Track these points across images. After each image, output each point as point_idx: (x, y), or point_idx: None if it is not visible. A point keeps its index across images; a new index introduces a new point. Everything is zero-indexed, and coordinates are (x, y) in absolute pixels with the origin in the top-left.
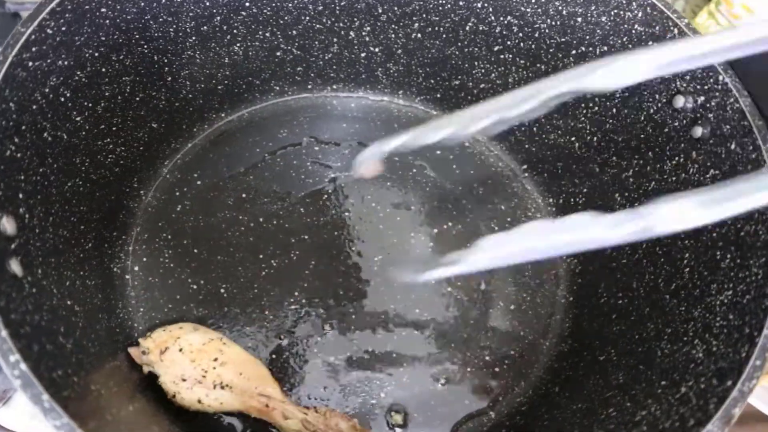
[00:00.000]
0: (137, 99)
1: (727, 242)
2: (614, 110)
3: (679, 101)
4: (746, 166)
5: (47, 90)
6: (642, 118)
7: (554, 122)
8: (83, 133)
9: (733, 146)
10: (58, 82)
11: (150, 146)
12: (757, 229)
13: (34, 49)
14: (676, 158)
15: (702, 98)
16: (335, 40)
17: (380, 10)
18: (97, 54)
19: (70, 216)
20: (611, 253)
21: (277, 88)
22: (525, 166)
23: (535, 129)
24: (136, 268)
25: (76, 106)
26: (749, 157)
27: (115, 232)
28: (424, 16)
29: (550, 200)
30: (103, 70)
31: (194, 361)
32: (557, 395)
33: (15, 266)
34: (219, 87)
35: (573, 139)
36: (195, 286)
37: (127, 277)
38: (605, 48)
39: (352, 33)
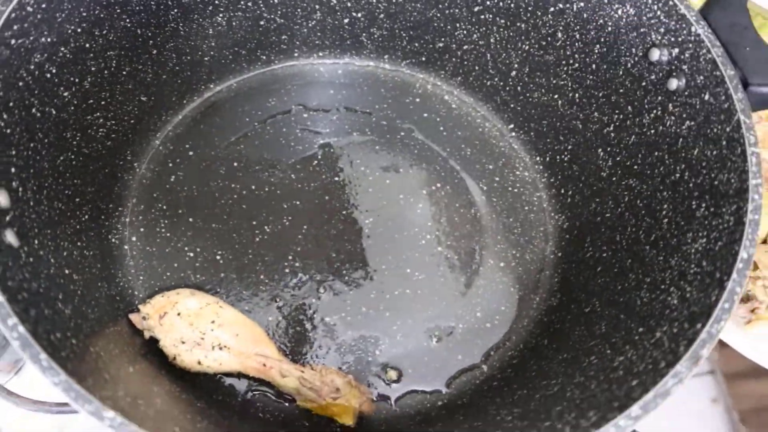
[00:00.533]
0: (124, 73)
1: (702, 191)
2: (594, 66)
3: (655, 54)
4: (719, 115)
5: (32, 67)
6: (620, 72)
7: (537, 80)
8: (72, 108)
9: (706, 97)
10: (42, 59)
11: (140, 119)
12: (729, 177)
13: (15, 27)
14: (654, 111)
15: (676, 50)
16: (317, 6)
17: None
18: (79, 30)
19: (64, 189)
20: (596, 208)
21: (264, 57)
22: (511, 126)
23: (519, 88)
24: (134, 239)
25: (63, 82)
26: (722, 106)
27: (110, 204)
28: None
29: (537, 158)
30: (87, 45)
31: (192, 325)
32: (545, 347)
33: (10, 237)
34: (205, 58)
35: (556, 96)
36: (191, 254)
37: (126, 247)
38: (582, 4)
39: None
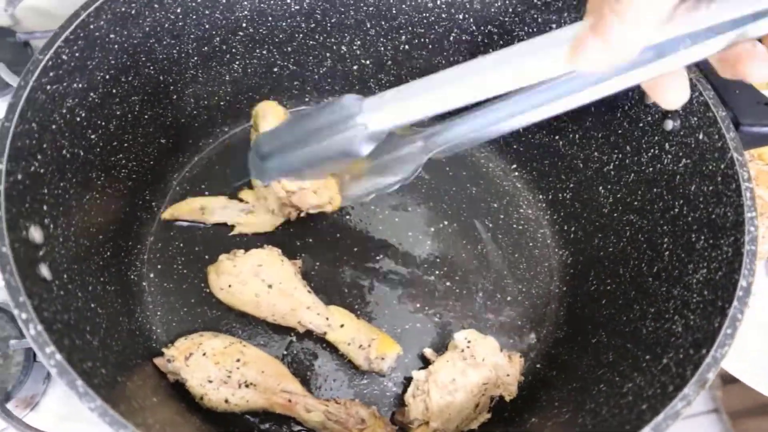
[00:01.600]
0: (146, 117)
1: (701, 225)
2: (592, 108)
3: (650, 98)
4: (713, 153)
5: (64, 111)
6: (618, 114)
7: (539, 123)
8: (98, 149)
9: (701, 136)
10: (73, 104)
11: (159, 161)
12: (726, 210)
13: (51, 74)
14: (652, 150)
15: None
16: (328, 54)
17: (369, 25)
18: (107, 76)
19: (89, 227)
20: (599, 243)
21: (276, 101)
22: (514, 166)
23: (521, 130)
24: (152, 275)
25: (91, 125)
26: (715, 145)
27: (130, 242)
28: (410, 29)
29: (540, 196)
30: (114, 90)
31: (218, 364)
32: (554, 378)
33: (45, 271)
34: (222, 103)
35: (557, 137)
36: (207, 290)
37: (144, 283)
38: None
39: (343, 47)
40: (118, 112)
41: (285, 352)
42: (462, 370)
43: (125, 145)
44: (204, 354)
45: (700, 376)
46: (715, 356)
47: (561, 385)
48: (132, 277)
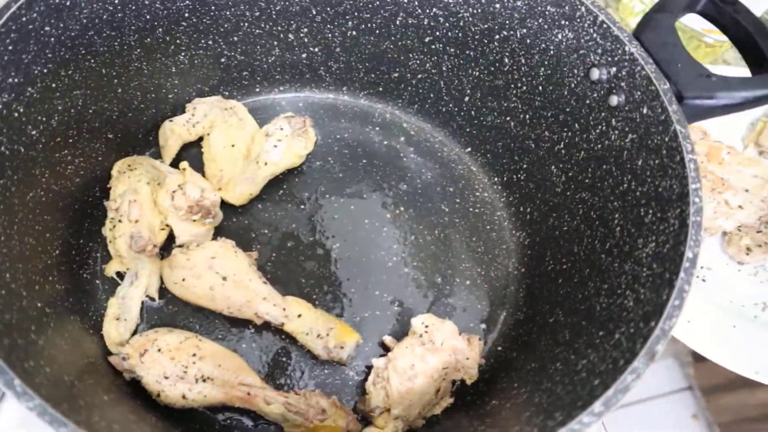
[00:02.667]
0: (90, 111)
1: (649, 199)
2: (540, 88)
3: (595, 74)
4: (658, 127)
5: (0, 106)
6: (565, 92)
7: (489, 104)
8: (40, 146)
9: (645, 110)
10: (10, 99)
11: (108, 156)
12: (671, 183)
13: None
14: (599, 127)
15: (614, 69)
16: (275, 43)
17: (314, 12)
18: (45, 70)
19: (34, 225)
20: (554, 222)
21: (227, 93)
22: (468, 149)
23: (473, 113)
24: (110, 274)
25: (30, 121)
26: (659, 118)
27: (81, 240)
28: (356, 14)
29: (495, 179)
30: (54, 85)
31: (174, 359)
32: (515, 359)
33: None
34: (169, 96)
35: (508, 118)
36: (162, 285)
37: (97, 281)
38: (524, 30)
39: (290, 35)
40: (59, 107)
41: (243, 346)
42: (421, 355)
43: (70, 141)
44: (159, 350)
45: (649, 348)
46: (663, 328)
47: (521, 366)
48: (84, 275)
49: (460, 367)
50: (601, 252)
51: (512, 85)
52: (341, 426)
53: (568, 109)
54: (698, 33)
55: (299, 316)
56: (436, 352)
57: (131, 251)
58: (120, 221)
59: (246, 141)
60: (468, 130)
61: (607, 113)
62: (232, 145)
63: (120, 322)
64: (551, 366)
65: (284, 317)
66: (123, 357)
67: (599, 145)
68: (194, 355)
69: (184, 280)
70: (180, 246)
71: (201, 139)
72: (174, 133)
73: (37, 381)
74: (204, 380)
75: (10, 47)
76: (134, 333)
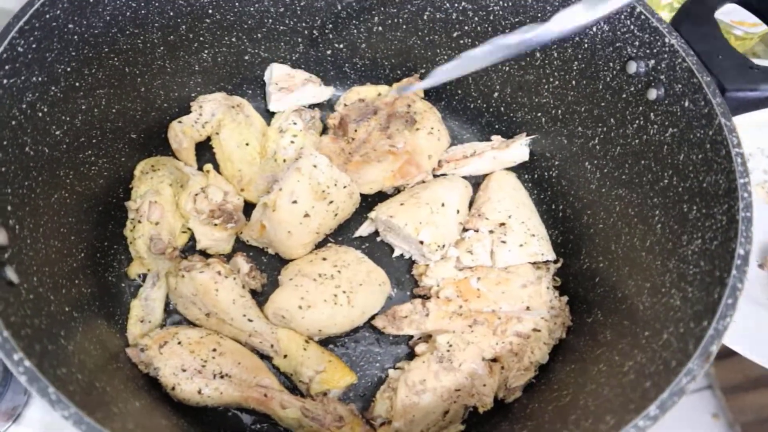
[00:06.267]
0: (113, 111)
1: (692, 194)
2: (573, 82)
3: (632, 67)
4: (700, 120)
5: (24, 106)
6: (600, 86)
7: (519, 100)
8: (64, 146)
9: (686, 103)
10: (34, 98)
11: (131, 157)
12: (717, 178)
13: (7, 66)
14: (637, 121)
15: (652, 61)
16: (300, 39)
17: (339, 7)
18: (69, 69)
19: (59, 227)
20: (588, 220)
21: (250, 91)
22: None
23: (502, 109)
24: (133, 276)
25: (55, 121)
26: (702, 111)
27: (106, 243)
28: (382, 9)
29: (525, 176)
30: (77, 84)
31: (193, 352)
32: (551, 361)
33: (11, 274)
34: (192, 94)
35: (539, 114)
36: None
37: (123, 284)
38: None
39: (315, 32)
40: (83, 107)
41: None
42: (435, 372)
43: (93, 141)
44: (179, 343)
45: (704, 349)
46: (717, 328)
47: (559, 368)
48: (110, 278)
49: (475, 393)
50: (641, 250)
51: (544, 80)
52: None
53: (603, 104)
54: (727, 25)
55: (285, 356)
56: (452, 372)
57: (151, 253)
58: (140, 222)
59: (258, 138)
60: (497, 126)
61: (645, 107)
62: (246, 144)
63: (144, 324)
64: (593, 368)
65: (273, 352)
66: (142, 348)
67: (637, 141)
68: (214, 350)
69: (177, 304)
70: (198, 252)
71: (209, 138)
72: (186, 135)
73: (71, 389)
74: (222, 377)
75: (34, 45)
76: None
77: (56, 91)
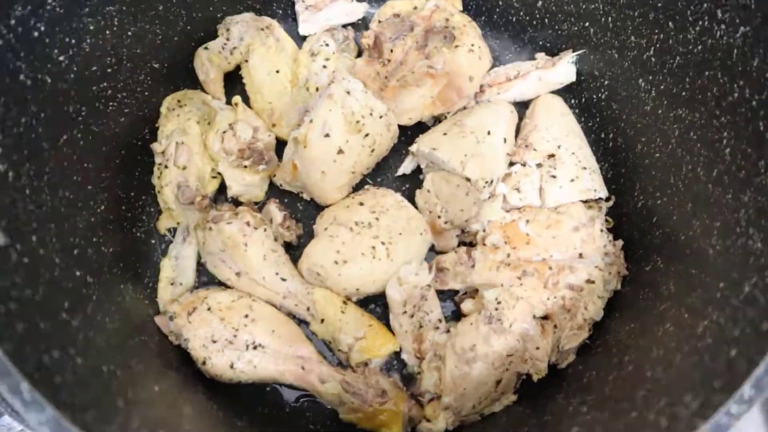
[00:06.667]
0: (129, 34)
1: None
2: None
3: None
4: None
5: (12, 21)
6: None
7: (566, 8)
8: (71, 76)
9: None
10: (25, 12)
11: (155, 91)
12: None
13: None
14: (699, 23)
15: None
16: None
17: None
18: None
19: (72, 174)
20: (643, 149)
21: (280, 11)
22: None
23: (547, 20)
24: (164, 231)
25: (56, 43)
26: None
27: (132, 192)
28: None
29: (572, 101)
30: None
31: (224, 320)
32: (606, 318)
33: None
34: (218, 15)
35: (587, 24)
36: None
37: (153, 240)
38: None
39: None
40: (91, 27)
41: None
42: (485, 336)
43: (108, 71)
44: (209, 308)
45: None
46: None
47: (616, 327)
48: (138, 234)
49: (528, 357)
50: (707, 182)
51: None
52: (402, 411)
53: (660, 4)
54: None
55: (322, 321)
56: (503, 334)
57: (179, 203)
58: (166, 167)
59: (289, 64)
60: (541, 42)
61: (710, 3)
62: (276, 71)
63: (175, 287)
64: (658, 328)
65: (309, 316)
66: (170, 316)
67: (700, 46)
68: (246, 316)
69: (206, 261)
70: (230, 200)
71: (239, 68)
72: (213, 63)
73: (58, 381)
74: (255, 347)
75: None
76: None
77: (54, 5)
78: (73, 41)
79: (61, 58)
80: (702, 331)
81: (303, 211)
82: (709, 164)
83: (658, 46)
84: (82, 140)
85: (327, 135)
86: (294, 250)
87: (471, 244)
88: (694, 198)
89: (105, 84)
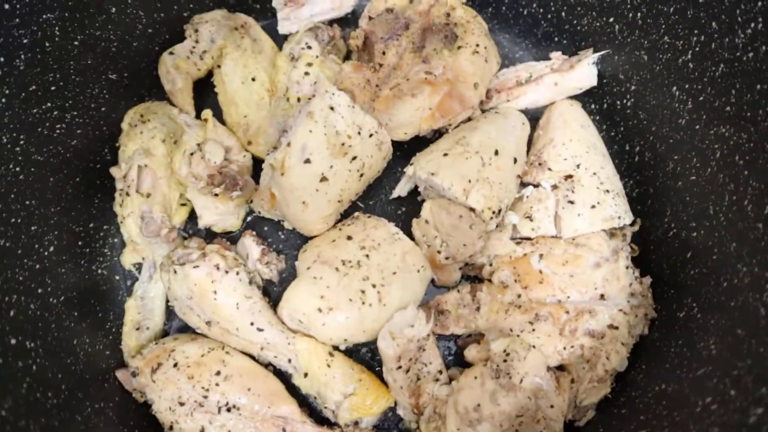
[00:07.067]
0: (75, 44)
1: None
2: None
3: None
4: None
5: None
6: None
7: (587, 1)
8: (1, 101)
9: None
10: None
11: (115, 105)
12: None
13: None
14: (752, 25)
15: None
16: None
17: None
18: None
19: (9, 218)
20: (675, 168)
21: (257, 5)
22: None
23: (563, 14)
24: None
25: None
26: None
27: (91, 224)
28: None
29: (592, 105)
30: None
31: (192, 378)
32: (630, 368)
33: None
34: (185, 14)
35: (611, 19)
36: None
37: (117, 277)
38: None
39: None
40: (24, 41)
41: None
42: (492, 393)
43: (52, 89)
44: (175, 365)
45: None
46: None
47: (644, 382)
48: (99, 271)
49: (541, 417)
50: (756, 219)
51: None
52: None
53: (701, 0)
54: None
55: (306, 375)
56: (512, 391)
57: (143, 236)
58: (128, 194)
59: (268, 70)
60: (556, 39)
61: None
62: (252, 79)
63: (141, 331)
64: (696, 399)
65: (291, 369)
66: (133, 372)
67: (751, 54)
68: (218, 373)
69: (173, 306)
70: (201, 231)
71: (210, 74)
72: (180, 70)
73: None
74: (228, 409)
75: None
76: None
77: None
78: (2, 59)
79: None
80: (755, 422)
81: (285, 241)
82: (760, 198)
83: (697, 49)
84: (21, 174)
85: (307, 160)
86: (276, 287)
87: (476, 278)
88: (739, 237)
89: (48, 105)
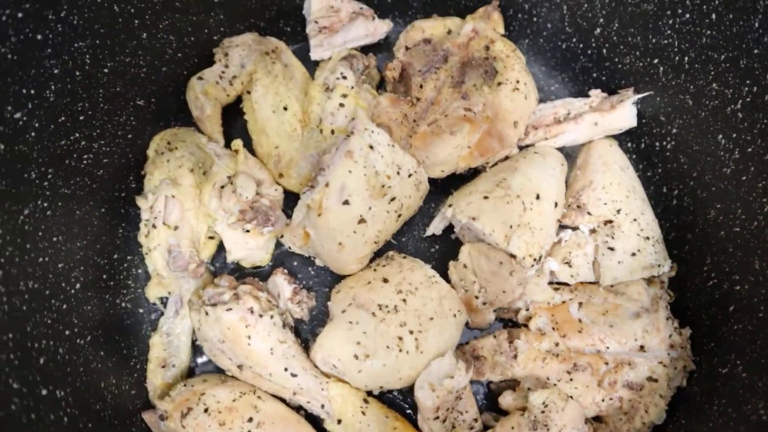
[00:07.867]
0: (105, 71)
1: None
2: (714, 16)
3: None
4: None
5: None
6: (755, 24)
7: (630, 40)
8: (31, 135)
9: None
10: None
11: (141, 131)
12: None
13: None
14: None
15: None
16: None
17: None
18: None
19: (36, 258)
20: (717, 217)
21: (288, 29)
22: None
23: (605, 51)
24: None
25: (9, 98)
26: None
27: (116, 255)
28: None
29: (629, 144)
30: (39, 37)
31: (224, 425)
32: (668, 422)
33: None
34: (215, 37)
35: (656, 61)
36: None
37: (141, 311)
38: None
39: None
40: (55, 71)
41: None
42: None
43: (81, 119)
44: (206, 410)
45: None
46: None
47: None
48: (122, 305)
49: None
50: None
51: (668, 12)
52: None
53: (756, 51)
54: None
55: (339, 422)
56: None
57: (170, 270)
58: (154, 226)
59: (299, 98)
60: (594, 74)
61: None
62: (285, 108)
63: (167, 369)
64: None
65: (324, 414)
66: (161, 415)
67: None
68: (251, 420)
69: (203, 347)
70: (230, 266)
71: (239, 99)
72: (209, 96)
73: None
74: None
75: None
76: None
77: (4, 52)
78: (32, 92)
79: (17, 116)
80: None
81: (316, 277)
82: None
83: (748, 100)
84: (49, 210)
85: (346, 202)
86: (305, 324)
87: (510, 321)
88: None
89: (77, 135)
